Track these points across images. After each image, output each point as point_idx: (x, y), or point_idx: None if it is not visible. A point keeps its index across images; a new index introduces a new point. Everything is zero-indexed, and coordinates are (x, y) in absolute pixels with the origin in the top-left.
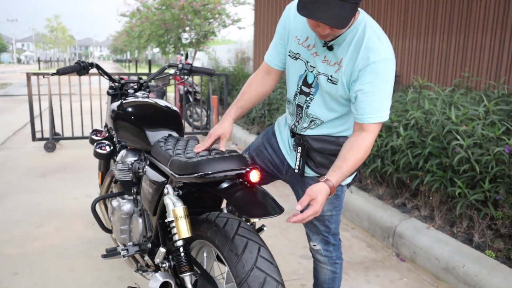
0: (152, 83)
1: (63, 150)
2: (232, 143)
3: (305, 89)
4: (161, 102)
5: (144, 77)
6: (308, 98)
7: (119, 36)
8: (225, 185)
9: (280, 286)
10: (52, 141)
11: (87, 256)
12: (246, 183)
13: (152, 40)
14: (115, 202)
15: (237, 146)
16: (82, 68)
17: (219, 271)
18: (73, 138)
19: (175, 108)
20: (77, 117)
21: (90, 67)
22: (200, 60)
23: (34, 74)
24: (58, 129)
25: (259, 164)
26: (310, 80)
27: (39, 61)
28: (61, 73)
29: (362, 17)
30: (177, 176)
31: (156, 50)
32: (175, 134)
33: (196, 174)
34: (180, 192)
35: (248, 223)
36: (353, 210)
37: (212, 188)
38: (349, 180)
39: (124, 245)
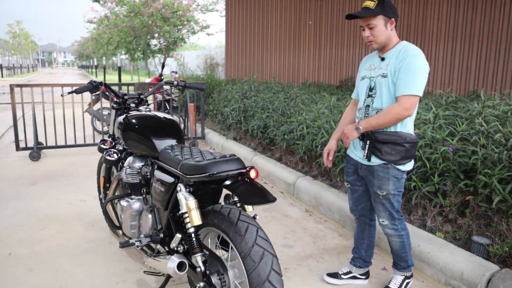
0: (132, 91)
1: (48, 159)
2: (209, 148)
3: (370, 93)
4: (161, 114)
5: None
6: (372, 98)
7: (85, 42)
8: (229, 181)
9: (275, 258)
10: (37, 150)
11: (92, 253)
12: (246, 179)
13: (121, 47)
14: (124, 202)
15: (215, 151)
16: (94, 87)
17: (221, 253)
18: (56, 147)
19: (174, 119)
20: (59, 125)
21: (100, 86)
22: (169, 66)
23: (18, 85)
24: (40, 138)
25: (352, 182)
26: (372, 85)
27: (1, 67)
28: (78, 92)
29: (405, 42)
30: (187, 176)
31: (123, 56)
32: (177, 142)
33: (205, 174)
34: (191, 189)
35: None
36: (325, 205)
37: (219, 185)
38: (409, 167)
39: (131, 238)
